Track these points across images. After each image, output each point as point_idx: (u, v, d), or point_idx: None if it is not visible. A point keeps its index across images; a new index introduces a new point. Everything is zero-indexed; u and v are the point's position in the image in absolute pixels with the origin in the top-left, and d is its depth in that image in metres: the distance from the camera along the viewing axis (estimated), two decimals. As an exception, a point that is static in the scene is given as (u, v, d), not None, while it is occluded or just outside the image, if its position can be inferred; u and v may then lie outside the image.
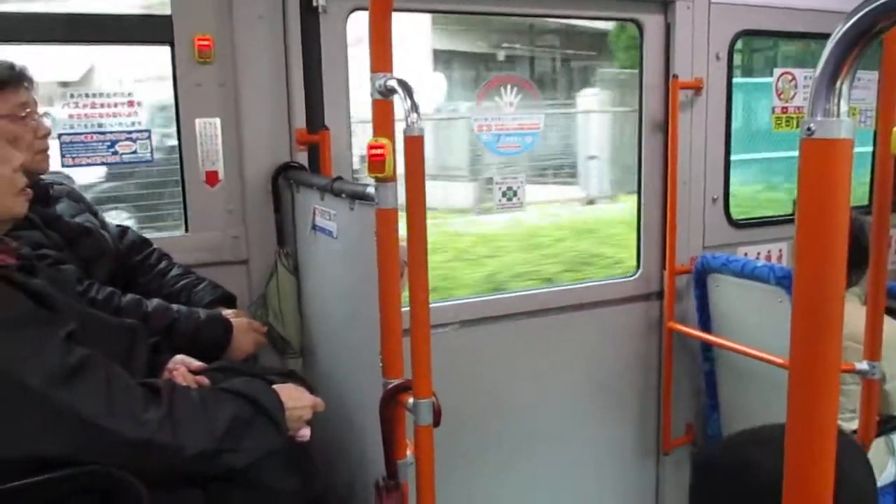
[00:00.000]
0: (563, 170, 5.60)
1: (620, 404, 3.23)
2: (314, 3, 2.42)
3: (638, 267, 3.19)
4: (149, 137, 2.39)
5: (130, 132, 2.38)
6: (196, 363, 1.86)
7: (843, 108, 0.76)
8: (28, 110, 1.87)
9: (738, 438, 1.32)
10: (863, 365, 2.30)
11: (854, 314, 2.37)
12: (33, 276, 1.56)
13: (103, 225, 2.21)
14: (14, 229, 1.66)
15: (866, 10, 0.74)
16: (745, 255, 3.24)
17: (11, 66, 1.86)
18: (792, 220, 3.39)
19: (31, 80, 1.90)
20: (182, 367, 1.82)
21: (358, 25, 2.48)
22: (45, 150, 1.95)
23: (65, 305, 1.55)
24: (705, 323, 3.10)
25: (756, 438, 1.27)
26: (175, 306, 2.04)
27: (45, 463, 1.42)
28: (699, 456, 1.56)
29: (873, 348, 2.28)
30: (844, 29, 0.76)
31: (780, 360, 2.52)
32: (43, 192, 2.01)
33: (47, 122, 1.98)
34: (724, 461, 1.29)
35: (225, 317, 2.11)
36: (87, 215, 2.16)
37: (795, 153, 0.79)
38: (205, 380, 1.79)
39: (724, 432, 3.18)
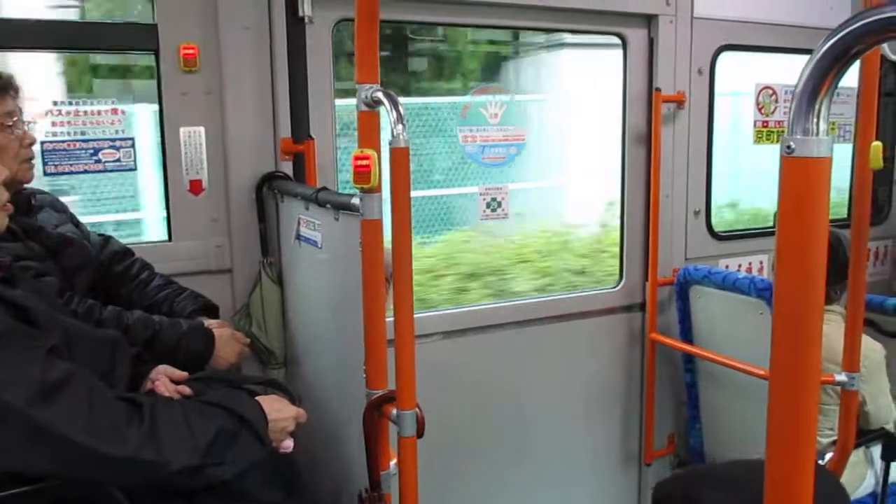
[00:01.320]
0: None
1: (603, 415, 3.24)
2: (300, 14, 2.42)
3: (621, 278, 3.21)
4: (132, 145, 2.38)
5: (114, 139, 2.37)
6: (178, 373, 1.85)
7: (822, 126, 0.78)
8: (14, 119, 1.85)
9: (694, 477, 1.34)
10: (841, 376, 2.32)
11: (833, 335, 2.38)
12: (14, 287, 1.54)
13: (85, 235, 2.19)
14: (-6, 240, 1.64)
15: (844, 32, 0.76)
16: (727, 266, 3.28)
17: None
18: (772, 233, 3.42)
19: (17, 89, 1.88)
20: (164, 378, 1.81)
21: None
22: (30, 159, 1.93)
23: (47, 318, 1.53)
24: (687, 334, 3.13)
25: (710, 478, 1.30)
26: (156, 317, 2.03)
27: (27, 479, 1.41)
28: (657, 490, 1.61)
29: (852, 360, 2.30)
30: (823, 50, 0.77)
31: (760, 371, 2.54)
32: (25, 202, 1.99)
33: (31, 130, 1.96)
34: (676, 497, 1.30)
35: (207, 327, 2.10)
36: (70, 225, 2.14)
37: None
38: (187, 390, 1.78)
39: (705, 442, 3.20)
